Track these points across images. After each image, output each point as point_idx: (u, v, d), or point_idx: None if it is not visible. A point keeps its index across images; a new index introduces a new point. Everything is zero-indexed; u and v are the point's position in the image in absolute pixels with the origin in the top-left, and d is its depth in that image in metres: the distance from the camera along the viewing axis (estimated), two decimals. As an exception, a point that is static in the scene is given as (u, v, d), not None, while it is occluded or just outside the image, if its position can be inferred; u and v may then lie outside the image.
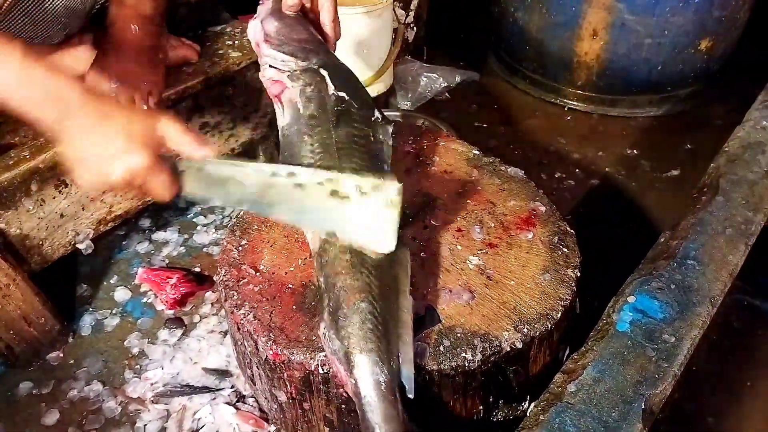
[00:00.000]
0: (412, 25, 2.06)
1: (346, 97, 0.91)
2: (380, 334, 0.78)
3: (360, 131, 0.90)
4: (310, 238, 0.90)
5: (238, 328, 0.91)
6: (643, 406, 0.79)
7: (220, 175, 0.77)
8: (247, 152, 1.56)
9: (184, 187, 0.78)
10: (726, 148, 1.24)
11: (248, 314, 0.89)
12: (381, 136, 0.93)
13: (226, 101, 1.39)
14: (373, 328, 0.78)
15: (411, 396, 0.77)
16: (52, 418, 1.15)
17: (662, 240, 1.06)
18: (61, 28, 1.15)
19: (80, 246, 1.24)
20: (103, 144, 0.73)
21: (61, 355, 1.26)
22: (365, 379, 0.76)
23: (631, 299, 0.92)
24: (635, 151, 1.82)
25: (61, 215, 1.18)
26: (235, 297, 0.92)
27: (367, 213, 0.79)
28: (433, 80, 2.04)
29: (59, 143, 0.76)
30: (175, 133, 0.76)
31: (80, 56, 1.24)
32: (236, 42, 1.40)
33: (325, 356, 0.83)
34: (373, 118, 0.93)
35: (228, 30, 1.44)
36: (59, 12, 1.11)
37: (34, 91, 0.74)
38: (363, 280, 0.81)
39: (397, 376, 0.78)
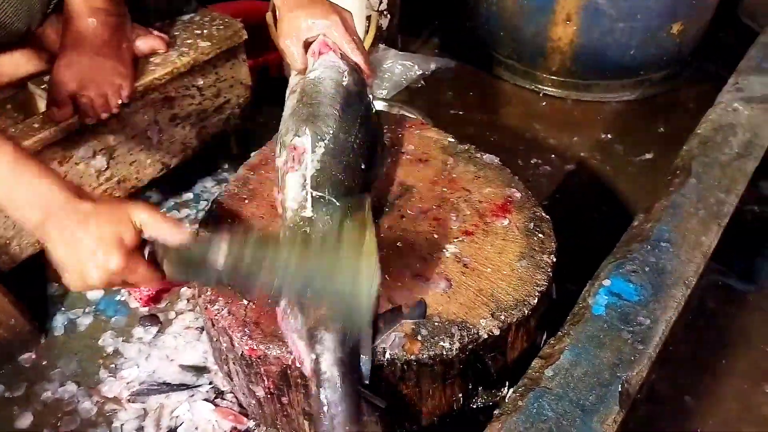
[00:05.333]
0: (386, 13, 2.03)
1: None
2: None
3: None
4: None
5: (213, 324, 0.90)
6: (619, 389, 0.80)
7: (196, 257, 0.77)
8: (220, 144, 1.54)
9: (166, 272, 0.77)
10: (698, 131, 1.25)
11: (222, 309, 0.88)
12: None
13: (196, 92, 1.37)
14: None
15: (367, 381, 0.78)
16: (25, 421, 1.13)
17: (636, 223, 1.06)
18: (20, 25, 1.11)
19: (49, 244, 1.21)
20: (79, 249, 0.73)
21: (34, 356, 1.23)
22: (328, 355, 0.75)
23: (606, 283, 0.92)
24: (609, 136, 1.83)
25: (28, 213, 1.15)
26: (209, 292, 0.91)
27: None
28: (408, 68, 2.02)
29: (46, 246, 0.75)
30: (150, 223, 0.76)
31: (43, 53, 1.21)
32: (205, 31, 1.36)
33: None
34: None
35: (197, 19, 1.41)
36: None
37: (21, 193, 0.74)
38: None
39: (357, 359, 0.78)
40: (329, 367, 0.75)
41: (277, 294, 0.80)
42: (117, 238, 0.73)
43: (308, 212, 0.87)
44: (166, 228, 0.76)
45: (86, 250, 0.72)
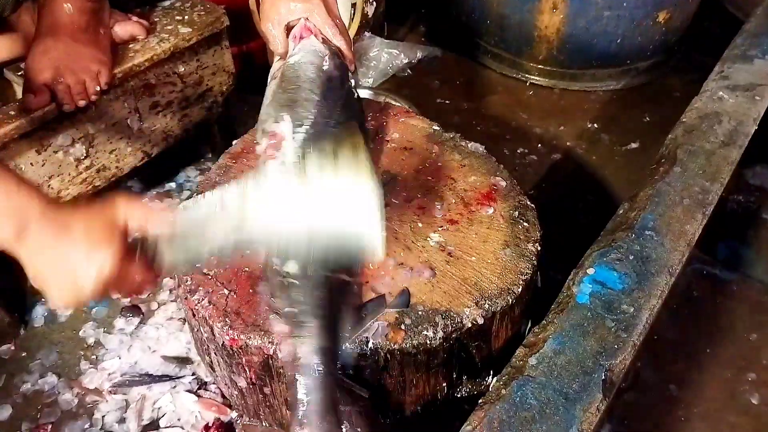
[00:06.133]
0: (371, 1, 2.01)
1: None
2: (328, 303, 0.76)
3: None
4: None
5: (194, 314, 0.88)
6: (603, 377, 0.79)
7: (194, 235, 0.71)
8: (204, 132, 1.52)
9: (163, 264, 0.70)
10: (683, 119, 1.25)
11: (203, 299, 0.87)
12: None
13: (177, 79, 1.34)
14: (323, 297, 0.76)
15: (350, 371, 0.78)
16: (4, 413, 1.11)
17: (621, 211, 1.06)
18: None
19: (27, 234, 1.19)
20: (66, 260, 0.65)
21: (13, 348, 1.22)
22: (309, 341, 0.74)
23: (590, 271, 0.92)
24: (596, 125, 1.83)
25: (5, 202, 1.13)
26: (189, 282, 0.89)
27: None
28: (395, 56, 2.00)
29: (23, 265, 0.66)
30: (136, 217, 0.69)
31: (18, 40, 1.18)
32: (186, 17, 1.34)
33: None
34: None
35: (178, 5, 1.38)
36: None
37: None
38: None
39: (338, 347, 0.77)
40: (309, 354, 0.74)
41: (282, 253, 0.74)
42: (105, 241, 0.65)
43: None
44: (154, 217, 0.69)
45: (74, 259, 0.65)
